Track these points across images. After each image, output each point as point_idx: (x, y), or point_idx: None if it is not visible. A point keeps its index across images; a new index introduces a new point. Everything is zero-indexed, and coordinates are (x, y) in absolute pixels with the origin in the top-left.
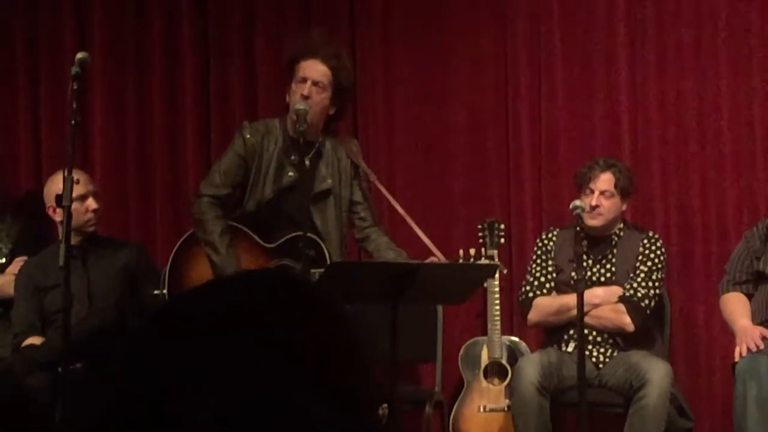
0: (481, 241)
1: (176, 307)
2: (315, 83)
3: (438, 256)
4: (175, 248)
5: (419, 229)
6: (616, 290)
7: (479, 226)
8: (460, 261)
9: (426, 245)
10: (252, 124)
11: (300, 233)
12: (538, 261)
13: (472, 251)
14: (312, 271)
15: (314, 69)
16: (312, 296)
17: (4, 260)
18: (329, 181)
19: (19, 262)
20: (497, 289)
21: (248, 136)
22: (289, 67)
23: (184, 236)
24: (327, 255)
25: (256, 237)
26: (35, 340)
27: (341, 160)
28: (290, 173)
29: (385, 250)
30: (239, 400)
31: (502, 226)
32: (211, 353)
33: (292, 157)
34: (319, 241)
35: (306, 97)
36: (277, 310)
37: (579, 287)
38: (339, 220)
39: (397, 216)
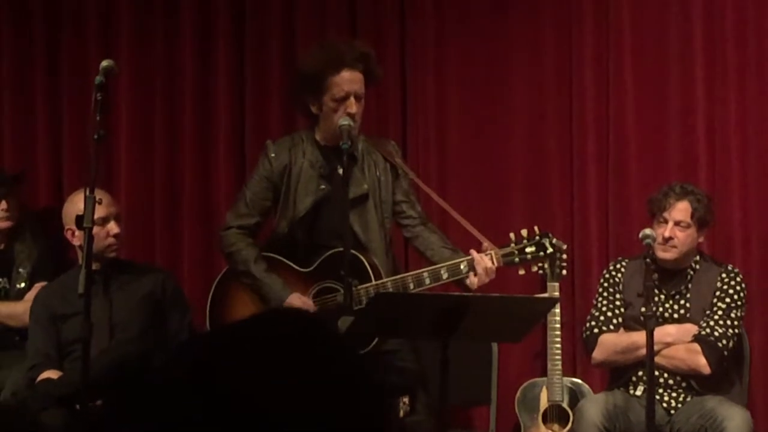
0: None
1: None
2: (357, 96)
3: (487, 244)
4: (213, 287)
5: (465, 221)
6: (691, 328)
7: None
8: (512, 245)
9: (474, 236)
10: (275, 142)
11: (336, 250)
12: (605, 294)
13: (524, 232)
14: (355, 289)
15: (353, 81)
16: (325, 345)
17: (23, 284)
18: (365, 186)
19: (39, 288)
20: (558, 325)
21: (273, 155)
22: (312, 79)
23: (221, 273)
24: (369, 269)
25: (290, 263)
26: (52, 373)
27: (378, 162)
28: (321, 186)
29: (438, 248)
30: None
31: (565, 255)
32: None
33: (322, 169)
34: (359, 255)
35: (353, 115)
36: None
37: (649, 324)
38: (382, 227)
39: (443, 216)
